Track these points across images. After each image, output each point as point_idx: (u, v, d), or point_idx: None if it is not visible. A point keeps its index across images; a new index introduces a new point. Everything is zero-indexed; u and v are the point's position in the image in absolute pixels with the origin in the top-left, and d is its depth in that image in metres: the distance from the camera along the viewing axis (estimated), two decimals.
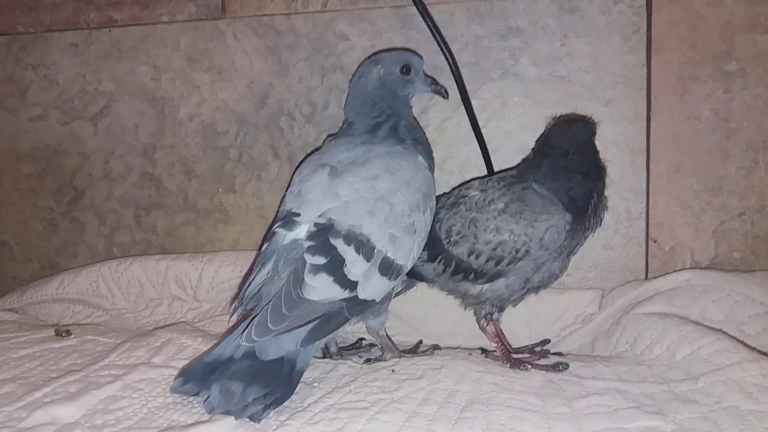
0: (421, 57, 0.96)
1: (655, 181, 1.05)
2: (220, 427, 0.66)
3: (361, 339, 0.98)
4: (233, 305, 0.81)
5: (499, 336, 0.90)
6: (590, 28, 1.03)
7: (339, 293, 0.75)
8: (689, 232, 1.05)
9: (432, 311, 1.03)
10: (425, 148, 0.93)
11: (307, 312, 0.73)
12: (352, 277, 0.76)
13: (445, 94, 0.96)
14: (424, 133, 0.95)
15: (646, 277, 1.06)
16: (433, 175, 0.91)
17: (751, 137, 1.01)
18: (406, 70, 0.91)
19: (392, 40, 1.09)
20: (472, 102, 1.05)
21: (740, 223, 1.03)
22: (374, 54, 0.98)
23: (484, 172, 1.08)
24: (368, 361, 0.86)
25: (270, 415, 0.69)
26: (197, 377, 0.73)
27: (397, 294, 0.99)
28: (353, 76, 0.96)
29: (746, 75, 1.00)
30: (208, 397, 0.69)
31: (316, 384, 0.78)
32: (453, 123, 1.09)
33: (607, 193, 0.91)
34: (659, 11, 1.01)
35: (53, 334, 0.95)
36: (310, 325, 0.73)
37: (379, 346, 0.89)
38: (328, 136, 1.03)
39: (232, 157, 1.18)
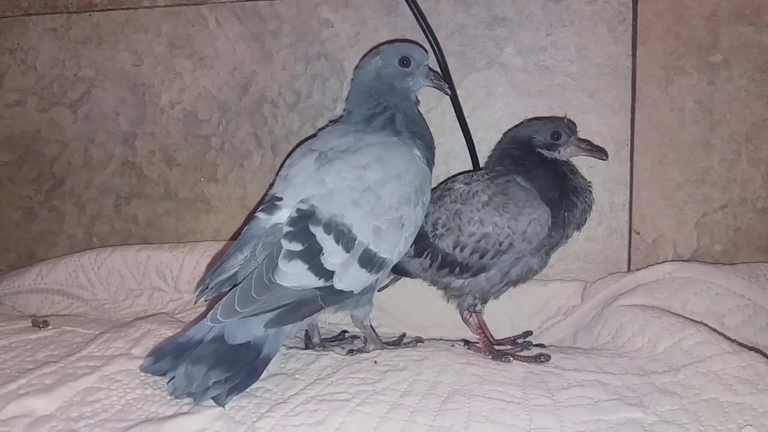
0: (425, 50, 0.92)
1: (639, 172, 1.05)
2: (199, 419, 0.65)
3: (345, 331, 0.97)
4: (199, 289, 0.80)
5: (482, 328, 0.90)
6: (576, 18, 1.03)
7: (313, 281, 0.75)
8: (672, 224, 1.05)
9: (415, 303, 1.03)
10: (425, 142, 0.89)
11: (278, 297, 0.72)
12: (328, 266, 0.75)
13: (447, 91, 0.93)
14: (427, 127, 0.92)
15: (629, 269, 1.07)
16: (431, 169, 0.89)
17: (734, 129, 1.02)
18: (405, 62, 0.88)
19: (377, 27, 1.07)
20: (458, 92, 1.05)
21: (722, 216, 1.04)
22: (379, 45, 0.96)
23: (469, 162, 1.07)
24: (351, 352, 0.86)
25: (234, 400, 0.69)
26: (168, 357, 0.72)
27: (384, 287, 0.99)
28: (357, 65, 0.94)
29: (730, 67, 1.00)
30: (173, 378, 0.69)
31: (297, 375, 0.78)
32: (438, 113, 1.08)
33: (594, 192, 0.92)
34: (645, 1, 1.01)
35: (30, 325, 0.93)
36: (280, 310, 0.73)
37: (362, 337, 0.89)
38: (330, 121, 1.01)
39: (215, 145, 1.16)
